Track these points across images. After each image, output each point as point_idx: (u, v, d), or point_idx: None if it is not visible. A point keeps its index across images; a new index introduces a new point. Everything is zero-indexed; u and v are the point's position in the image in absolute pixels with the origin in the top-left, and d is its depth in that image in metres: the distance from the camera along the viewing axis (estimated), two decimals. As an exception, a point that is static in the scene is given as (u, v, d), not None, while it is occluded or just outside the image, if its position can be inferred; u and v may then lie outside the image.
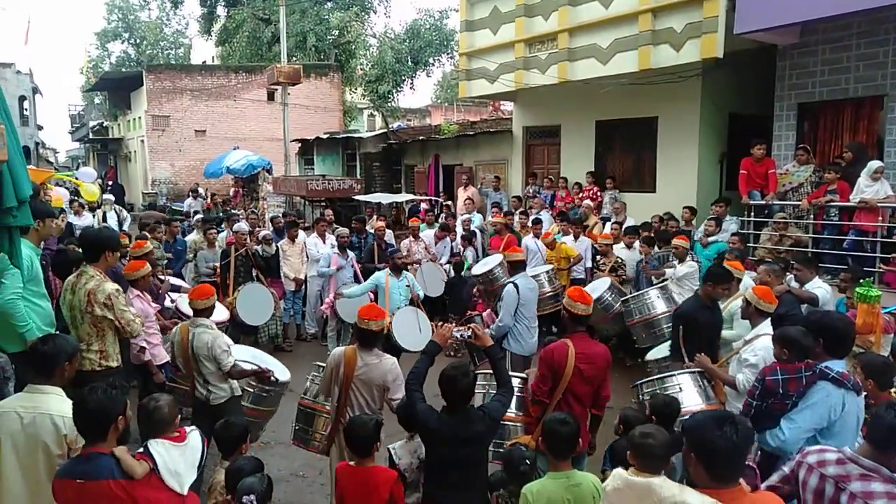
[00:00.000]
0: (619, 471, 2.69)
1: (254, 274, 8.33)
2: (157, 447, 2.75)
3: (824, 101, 8.90)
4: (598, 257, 8.60)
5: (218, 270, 8.41)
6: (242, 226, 8.79)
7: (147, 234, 8.51)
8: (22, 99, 33.57)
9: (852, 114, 8.76)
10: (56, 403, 2.97)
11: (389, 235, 10.33)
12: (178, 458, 2.76)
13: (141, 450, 2.75)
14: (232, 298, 7.91)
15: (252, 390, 5.00)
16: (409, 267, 8.57)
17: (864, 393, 3.51)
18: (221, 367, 4.58)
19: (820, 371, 3.44)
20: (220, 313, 6.60)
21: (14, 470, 2.89)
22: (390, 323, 6.61)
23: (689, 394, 4.33)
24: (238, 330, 7.94)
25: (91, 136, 36.09)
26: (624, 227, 9.08)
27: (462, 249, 10.03)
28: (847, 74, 8.51)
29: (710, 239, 8.10)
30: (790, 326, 3.71)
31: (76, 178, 18.17)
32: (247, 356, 5.14)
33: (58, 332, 3.95)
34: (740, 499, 2.34)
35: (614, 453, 3.74)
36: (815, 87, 8.86)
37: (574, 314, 4.20)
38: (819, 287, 5.88)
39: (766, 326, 4.31)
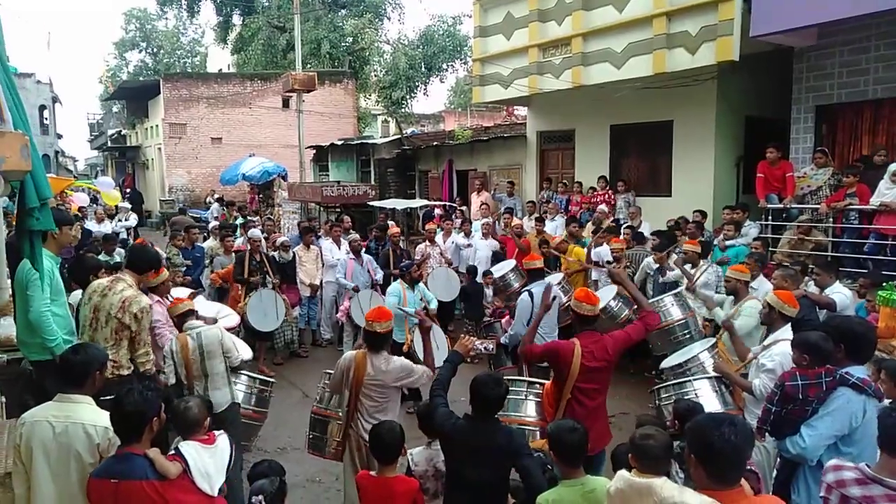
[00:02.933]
0: (622, 472, 2.70)
1: (267, 281, 8.32)
2: (189, 449, 2.79)
3: (843, 104, 8.79)
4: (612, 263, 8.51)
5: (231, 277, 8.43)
6: (256, 232, 8.84)
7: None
8: (42, 108, 34.14)
9: (872, 116, 8.65)
10: (88, 413, 2.98)
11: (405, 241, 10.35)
12: (209, 460, 2.80)
13: (173, 451, 2.79)
14: (243, 304, 7.94)
15: (252, 391, 4.98)
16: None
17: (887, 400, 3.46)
18: (231, 360, 4.64)
19: (840, 377, 3.39)
20: (231, 319, 6.63)
21: (46, 479, 2.90)
22: (411, 341, 6.63)
23: (706, 399, 4.30)
24: (252, 336, 7.96)
25: (109, 144, 36.55)
26: (648, 231, 8.95)
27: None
28: (866, 76, 8.41)
29: (729, 243, 8.01)
30: (810, 331, 3.65)
31: (95, 186, 18.48)
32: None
33: (87, 342, 4.01)
34: (740, 501, 2.31)
35: (615, 458, 3.71)
36: (834, 90, 8.76)
37: (581, 314, 4.20)
38: (838, 292, 5.80)
39: (785, 332, 4.25)
